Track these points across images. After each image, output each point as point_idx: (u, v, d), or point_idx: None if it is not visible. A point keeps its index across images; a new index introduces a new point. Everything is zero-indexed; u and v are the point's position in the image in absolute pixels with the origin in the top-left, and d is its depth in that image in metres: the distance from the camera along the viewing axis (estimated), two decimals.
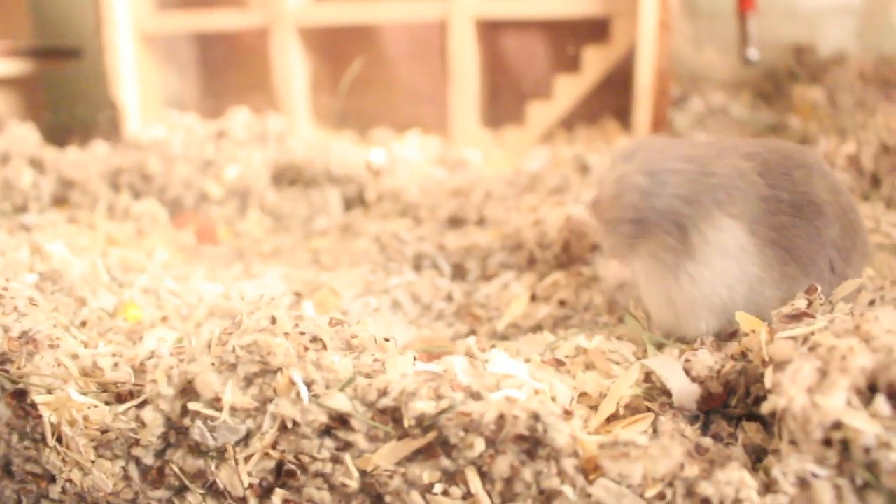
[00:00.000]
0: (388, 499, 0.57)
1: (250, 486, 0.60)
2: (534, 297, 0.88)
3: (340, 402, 0.57)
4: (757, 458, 0.59)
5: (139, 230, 1.17)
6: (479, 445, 0.54)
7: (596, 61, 1.51)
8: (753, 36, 1.46)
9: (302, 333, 0.61)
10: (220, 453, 0.60)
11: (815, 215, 0.69)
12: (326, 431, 0.57)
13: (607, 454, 0.53)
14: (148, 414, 0.61)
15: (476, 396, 0.55)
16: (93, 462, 0.64)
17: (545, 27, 1.70)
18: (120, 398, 0.65)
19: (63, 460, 0.65)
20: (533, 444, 0.54)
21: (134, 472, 0.64)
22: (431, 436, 0.55)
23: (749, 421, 0.62)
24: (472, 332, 0.85)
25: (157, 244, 1.09)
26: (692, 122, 1.56)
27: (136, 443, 0.62)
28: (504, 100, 1.71)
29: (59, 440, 0.64)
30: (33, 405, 0.65)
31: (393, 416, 0.57)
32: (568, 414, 0.54)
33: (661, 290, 0.71)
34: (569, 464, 0.54)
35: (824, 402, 0.52)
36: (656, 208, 0.67)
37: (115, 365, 0.69)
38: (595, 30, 1.55)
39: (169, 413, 0.61)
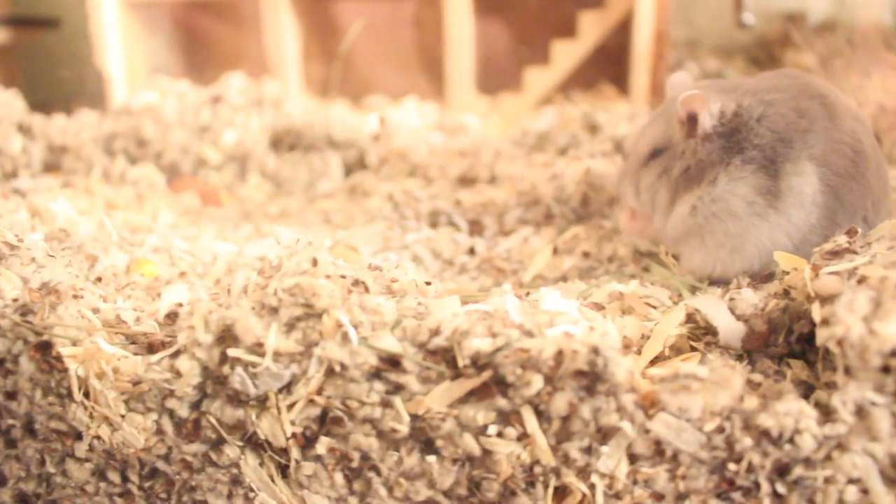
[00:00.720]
0: (439, 443, 0.56)
1: (293, 435, 0.58)
2: (555, 251, 0.87)
3: (391, 342, 0.55)
4: (804, 395, 0.59)
5: (138, 195, 1.14)
6: (537, 383, 0.53)
7: (592, 26, 1.50)
8: (747, 1, 1.46)
9: (343, 276, 0.59)
10: (262, 402, 0.59)
11: (866, 166, 0.69)
12: (376, 374, 0.56)
13: (668, 388, 0.53)
14: (184, 363, 0.59)
15: (531, 333, 0.54)
16: (123, 416, 0.62)
17: None
18: (152, 348, 0.62)
19: (91, 415, 0.62)
20: (592, 380, 0.53)
21: (168, 425, 0.61)
22: (487, 375, 0.54)
23: (791, 359, 0.63)
24: (497, 285, 0.84)
25: (160, 207, 1.05)
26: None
27: (171, 394, 0.60)
28: (500, 66, 1.70)
29: (87, 395, 0.62)
30: (59, 358, 0.62)
31: (445, 357, 0.55)
32: (627, 348, 0.53)
33: (732, 230, 0.71)
34: (628, 399, 0.53)
35: (882, 329, 0.51)
36: (754, 136, 0.68)
37: (138, 319, 0.67)
38: None
39: (206, 361, 0.58)
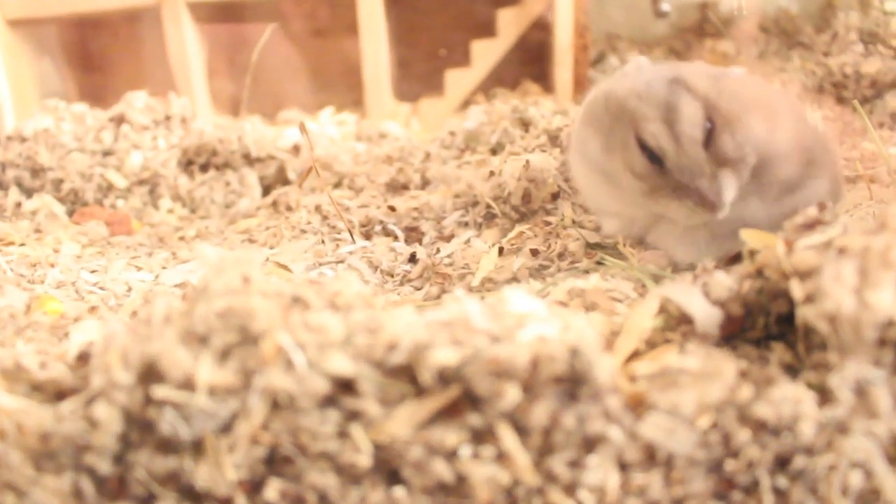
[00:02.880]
0: (406, 473, 0.49)
1: (238, 481, 0.50)
2: (502, 251, 0.82)
3: (342, 363, 0.48)
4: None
5: (36, 228, 1.03)
6: (513, 394, 0.47)
7: (511, 23, 1.47)
8: None
9: (280, 294, 0.52)
10: (197, 446, 0.51)
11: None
12: (329, 401, 0.49)
13: (656, 385, 0.48)
14: (101, 410, 0.50)
15: (500, 339, 0.48)
16: (33, 480, 0.53)
17: None
18: (62, 396, 0.54)
19: None
20: (573, 385, 0.47)
21: (87, 485, 0.52)
22: (455, 390, 0.47)
23: (767, 342, 0.59)
24: (444, 293, 0.78)
25: (62, 239, 0.95)
26: None
27: (88, 448, 0.51)
28: (418, 71, 1.65)
29: None
30: None
31: (405, 374, 0.49)
32: (609, 346, 0.48)
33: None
34: (614, 402, 0.47)
35: (874, 299, 0.48)
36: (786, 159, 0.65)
37: (43, 364, 0.58)
38: None
39: (128, 405, 0.50)
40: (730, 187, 0.67)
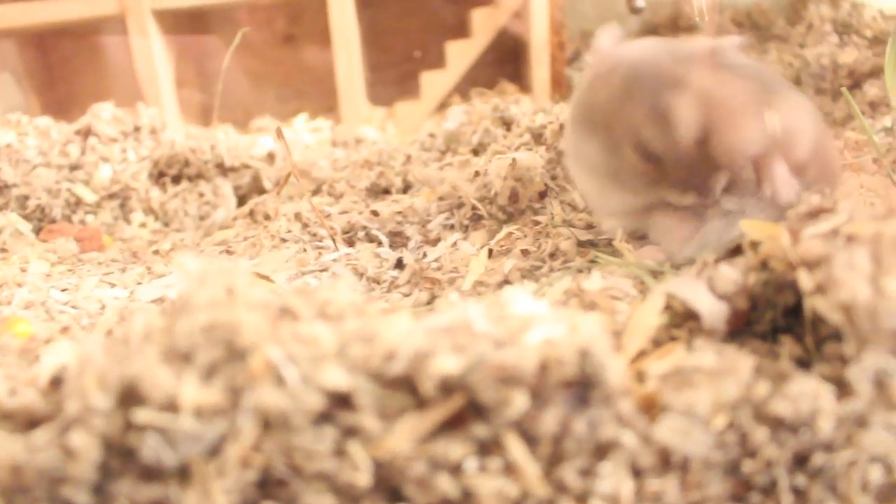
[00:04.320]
0: (409, 490, 0.46)
1: None
2: (491, 253, 0.80)
3: (337, 376, 0.45)
4: None
5: (1, 248, 0.99)
6: (521, 401, 0.44)
7: (485, 23, 1.45)
8: None
9: (266, 304, 0.49)
10: (184, 472, 0.47)
11: None
12: (324, 418, 0.46)
13: (670, 385, 0.45)
14: (78, 438, 0.47)
15: (505, 343, 0.45)
16: None
17: None
18: (33, 425, 0.50)
19: None
20: (583, 388, 0.45)
21: None
22: (459, 400, 0.45)
23: (774, 335, 0.57)
24: (434, 298, 0.75)
25: (29, 258, 0.91)
26: None
27: (65, 480, 0.48)
28: (393, 74, 1.62)
29: None
30: None
31: (405, 385, 0.46)
32: (619, 345, 0.45)
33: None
34: (626, 405, 0.45)
35: (891, 286, 0.46)
36: None
37: (13, 390, 0.55)
38: None
39: (107, 431, 0.47)
40: (720, 184, 0.67)
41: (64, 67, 1.68)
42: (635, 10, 1.44)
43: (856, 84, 1.38)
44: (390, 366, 0.45)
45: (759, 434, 0.46)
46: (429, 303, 0.74)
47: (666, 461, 0.46)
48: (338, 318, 0.52)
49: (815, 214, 0.57)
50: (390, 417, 0.46)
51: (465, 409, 0.45)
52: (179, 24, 1.57)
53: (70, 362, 0.54)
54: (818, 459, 0.47)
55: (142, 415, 0.45)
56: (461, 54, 1.46)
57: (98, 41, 1.65)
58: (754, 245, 0.60)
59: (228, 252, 0.92)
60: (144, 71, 1.48)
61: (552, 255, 0.77)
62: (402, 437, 0.45)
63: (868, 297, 0.46)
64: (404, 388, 0.46)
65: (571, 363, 0.44)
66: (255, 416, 0.45)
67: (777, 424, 0.46)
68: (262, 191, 1.20)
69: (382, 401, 0.45)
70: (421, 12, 1.66)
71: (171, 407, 0.45)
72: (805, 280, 0.52)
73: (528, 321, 0.47)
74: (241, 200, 1.19)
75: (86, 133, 1.21)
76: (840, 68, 1.39)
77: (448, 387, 0.44)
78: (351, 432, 0.46)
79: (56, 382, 0.53)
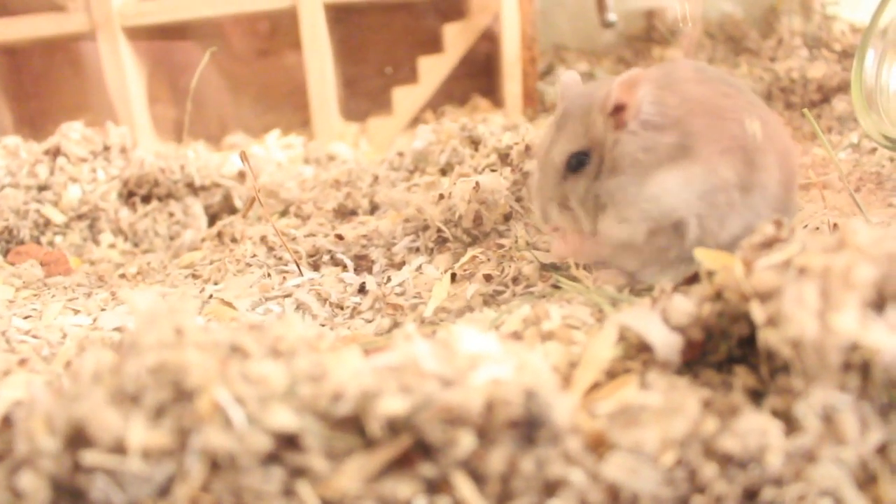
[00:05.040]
0: None
1: None
2: (454, 278, 0.80)
3: (285, 417, 0.45)
4: (754, 403, 0.53)
5: None
6: (467, 441, 0.44)
7: (457, 38, 1.45)
8: (609, 1, 1.46)
9: (216, 344, 0.49)
10: None
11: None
12: (272, 458, 0.45)
13: (617, 423, 0.45)
14: (27, 480, 0.46)
15: (452, 383, 0.45)
16: None
17: (400, 8, 1.62)
18: None
19: None
20: (529, 428, 0.45)
21: None
22: (405, 440, 0.45)
23: (729, 365, 0.57)
24: (396, 325, 0.75)
25: None
26: None
27: None
28: (365, 89, 1.62)
29: None
30: None
31: (353, 425, 0.46)
32: (566, 384, 0.45)
33: None
34: (574, 443, 0.45)
35: (837, 322, 0.46)
36: None
37: None
38: (451, 7, 1.48)
39: (55, 473, 0.46)
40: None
41: (36, 83, 1.67)
42: (607, 24, 1.45)
43: (825, 98, 1.39)
44: (338, 406, 0.45)
45: (708, 470, 0.46)
46: (391, 330, 0.74)
47: (615, 498, 0.46)
48: (289, 355, 0.51)
49: (768, 244, 0.58)
50: (338, 457, 0.46)
51: (412, 449, 0.45)
52: (152, 39, 1.56)
53: (22, 398, 0.54)
54: (768, 494, 0.47)
55: (90, 457, 0.45)
56: (434, 69, 1.47)
57: (70, 57, 1.63)
58: (710, 274, 0.60)
59: (194, 276, 0.91)
60: (116, 87, 1.47)
61: (515, 280, 0.77)
62: (350, 477, 0.45)
63: (815, 332, 0.47)
64: (352, 428, 0.46)
65: (517, 403, 0.44)
66: (203, 457, 0.45)
67: (726, 460, 0.47)
68: (233, 209, 1.19)
69: (330, 441, 0.45)
70: (393, 27, 1.66)
71: (120, 448, 0.45)
72: (758, 312, 0.52)
73: (475, 360, 0.47)
74: (213, 219, 1.19)
75: (55, 153, 1.20)
76: (809, 83, 1.40)
77: (395, 427, 0.44)
78: (299, 472, 0.45)
79: (8, 420, 0.53)
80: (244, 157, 0.85)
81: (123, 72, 1.48)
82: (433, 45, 1.49)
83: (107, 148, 1.23)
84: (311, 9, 1.42)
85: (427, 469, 0.45)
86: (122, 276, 0.96)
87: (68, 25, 1.46)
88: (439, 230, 0.86)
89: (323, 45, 1.45)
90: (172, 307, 0.51)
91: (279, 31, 1.63)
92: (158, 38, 1.57)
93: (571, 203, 0.69)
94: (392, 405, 0.44)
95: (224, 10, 1.47)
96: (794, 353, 0.48)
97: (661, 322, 0.56)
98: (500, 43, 1.36)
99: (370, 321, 0.76)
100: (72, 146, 1.21)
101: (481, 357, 0.47)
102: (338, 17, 1.53)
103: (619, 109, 0.67)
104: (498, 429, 0.44)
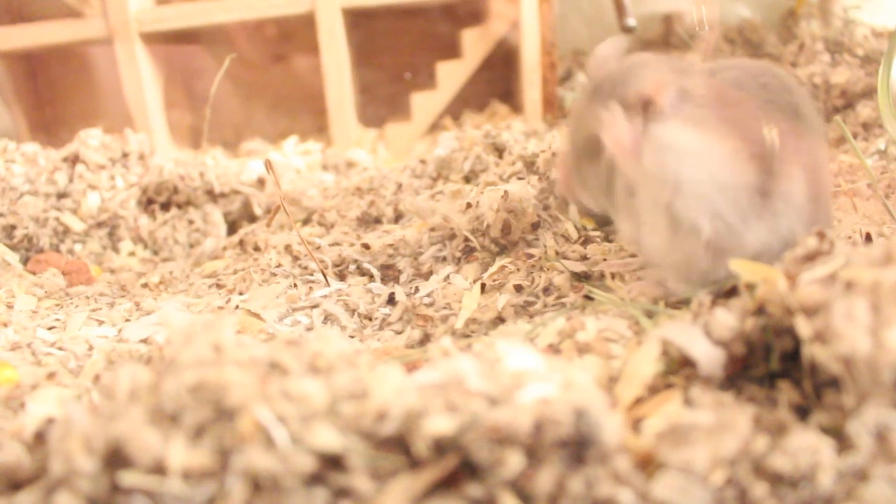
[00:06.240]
0: None
1: None
2: (484, 288, 0.79)
3: (329, 437, 0.44)
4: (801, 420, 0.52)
5: None
6: (516, 460, 0.43)
7: (476, 43, 1.44)
8: (628, 5, 1.45)
9: (254, 361, 0.48)
10: None
11: None
12: (316, 479, 0.44)
13: (667, 441, 0.44)
14: (63, 500, 0.46)
15: (499, 401, 0.44)
16: None
17: (418, 14, 1.62)
18: (17, 485, 0.49)
19: None
20: (579, 447, 0.44)
21: None
22: (452, 460, 0.44)
23: (770, 380, 0.56)
24: (427, 336, 0.74)
25: (16, 292, 0.90)
26: None
27: None
28: (384, 95, 1.61)
29: None
30: None
31: (397, 444, 0.45)
32: (615, 403, 0.44)
33: None
34: (623, 463, 0.44)
35: (890, 338, 0.45)
36: None
37: None
38: (470, 13, 1.48)
39: (93, 493, 0.45)
40: None
41: (53, 90, 1.67)
42: (627, 29, 1.44)
43: (848, 104, 1.38)
44: (382, 426, 0.44)
45: (759, 489, 0.45)
46: (421, 342, 0.73)
47: None
48: (328, 371, 0.51)
49: (811, 257, 0.57)
50: (383, 478, 0.45)
51: (458, 469, 0.44)
52: (169, 46, 1.56)
53: (55, 418, 0.53)
54: None
55: (128, 477, 0.44)
56: (452, 75, 1.46)
57: (87, 63, 1.63)
58: (750, 288, 0.59)
59: (218, 286, 0.90)
60: (133, 94, 1.47)
61: (546, 290, 0.76)
62: (395, 498, 0.44)
63: (868, 349, 0.46)
64: (397, 448, 0.45)
65: (566, 422, 0.43)
66: (245, 478, 0.44)
67: (776, 479, 0.46)
68: (252, 217, 1.19)
69: (375, 461, 0.44)
70: (411, 33, 1.65)
71: (159, 469, 0.44)
72: (804, 327, 0.51)
73: (521, 377, 0.46)
74: (232, 226, 1.18)
75: (73, 160, 1.20)
76: (832, 88, 1.39)
77: (441, 447, 0.44)
78: (343, 493, 0.45)
79: (41, 436, 0.52)
80: (269, 165, 0.84)
81: (140, 78, 1.47)
82: (451, 50, 1.48)
83: (125, 155, 1.23)
84: (329, 14, 1.42)
85: (474, 489, 0.44)
86: (145, 285, 0.95)
87: (85, 32, 1.46)
88: (466, 239, 0.85)
89: (340, 50, 1.44)
90: (210, 323, 0.50)
91: (296, 37, 1.62)
92: (174, 43, 1.56)
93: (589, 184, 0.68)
94: (440, 425, 0.43)
95: (241, 15, 1.46)
96: (844, 370, 0.47)
97: (703, 336, 0.55)
98: (520, 48, 1.35)
99: (400, 332, 0.75)
100: (90, 153, 1.21)
101: (527, 374, 0.46)
102: (355, 23, 1.52)
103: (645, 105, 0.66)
104: (547, 448, 0.43)
